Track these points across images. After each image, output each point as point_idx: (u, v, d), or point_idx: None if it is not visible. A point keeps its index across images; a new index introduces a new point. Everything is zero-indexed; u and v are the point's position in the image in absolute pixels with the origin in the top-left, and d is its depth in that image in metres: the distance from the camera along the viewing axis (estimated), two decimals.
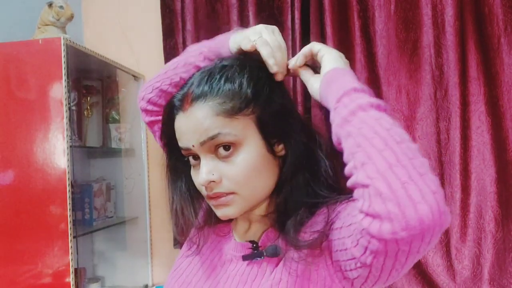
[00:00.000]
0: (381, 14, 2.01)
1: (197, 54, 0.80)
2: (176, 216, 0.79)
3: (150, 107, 0.87)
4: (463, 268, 1.91)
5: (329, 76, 0.68)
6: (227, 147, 0.69)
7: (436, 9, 1.96)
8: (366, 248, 0.54)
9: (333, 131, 0.62)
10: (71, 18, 1.79)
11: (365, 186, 0.53)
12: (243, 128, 0.69)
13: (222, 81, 0.69)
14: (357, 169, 0.55)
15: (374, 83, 2.01)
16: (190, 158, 0.73)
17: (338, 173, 0.72)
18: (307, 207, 0.71)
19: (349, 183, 0.56)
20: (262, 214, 0.77)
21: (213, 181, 0.69)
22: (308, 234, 0.68)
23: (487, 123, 1.91)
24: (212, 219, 0.82)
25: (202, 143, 0.69)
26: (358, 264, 0.57)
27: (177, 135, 0.73)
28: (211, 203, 0.73)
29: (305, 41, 2.06)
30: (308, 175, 0.73)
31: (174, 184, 0.80)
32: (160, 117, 0.81)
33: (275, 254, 0.70)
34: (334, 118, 0.62)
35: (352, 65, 2.02)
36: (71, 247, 1.61)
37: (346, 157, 0.58)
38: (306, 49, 0.74)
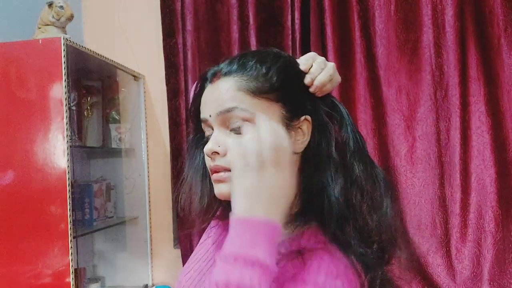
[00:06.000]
0: (381, 14, 2.01)
1: None
2: (186, 192, 0.81)
3: None
4: (463, 268, 1.91)
5: (240, 222, 0.61)
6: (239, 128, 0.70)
7: (436, 9, 1.96)
8: None
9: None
10: (71, 18, 1.79)
11: None
12: (261, 110, 0.69)
13: (253, 62, 0.72)
14: None
15: (374, 83, 2.01)
16: (206, 133, 0.75)
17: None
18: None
19: None
20: None
21: (217, 153, 0.70)
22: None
23: (487, 123, 1.91)
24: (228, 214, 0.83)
25: (219, 114, 0.70)
26: None
27: (201, 107, 0.75)
28: (212, 177, 0.74)
29: (305, 41, 2.06)
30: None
31: (191, 160, 0.82)
32: None
33: None
34: (217, 266, 0.59)
35: (352, 65, 2.03)
36: (71, 247, 1.61)
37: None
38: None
